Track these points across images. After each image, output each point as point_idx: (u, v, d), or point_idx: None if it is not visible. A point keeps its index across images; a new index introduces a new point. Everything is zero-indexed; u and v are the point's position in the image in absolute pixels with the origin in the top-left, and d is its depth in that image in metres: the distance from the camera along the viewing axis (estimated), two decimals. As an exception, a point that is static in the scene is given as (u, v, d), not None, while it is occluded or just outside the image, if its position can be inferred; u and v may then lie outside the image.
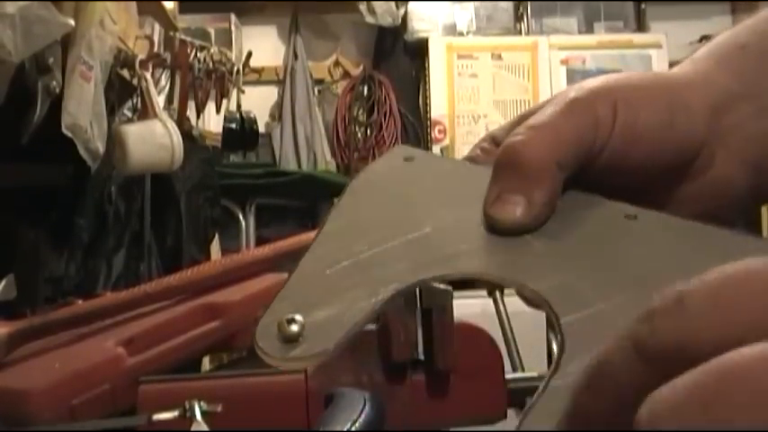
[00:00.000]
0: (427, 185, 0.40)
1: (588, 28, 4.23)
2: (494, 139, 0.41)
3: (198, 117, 3.34)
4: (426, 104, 4.09)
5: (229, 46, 3.94)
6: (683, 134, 0.39)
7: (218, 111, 3.58)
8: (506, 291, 1.82)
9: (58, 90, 1.96)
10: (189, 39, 3.13)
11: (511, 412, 0.70)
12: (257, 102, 4.02)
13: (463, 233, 0.36)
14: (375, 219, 0.37)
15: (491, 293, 1.89)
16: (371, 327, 0.71)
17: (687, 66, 0.42)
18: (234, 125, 3.65)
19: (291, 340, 0.31)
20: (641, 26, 4.28)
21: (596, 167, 0.38)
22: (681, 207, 0.39)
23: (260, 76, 4.12)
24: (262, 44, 4.14)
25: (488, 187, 0.36)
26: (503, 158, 0.36)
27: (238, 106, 3.73)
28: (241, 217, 3.38)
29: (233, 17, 4.11)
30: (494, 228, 0.35)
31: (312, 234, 0.38)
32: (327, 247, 0.36)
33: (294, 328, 0.31)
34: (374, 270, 0.34)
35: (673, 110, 0.38)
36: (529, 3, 4.20)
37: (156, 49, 2.84)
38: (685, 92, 0.40)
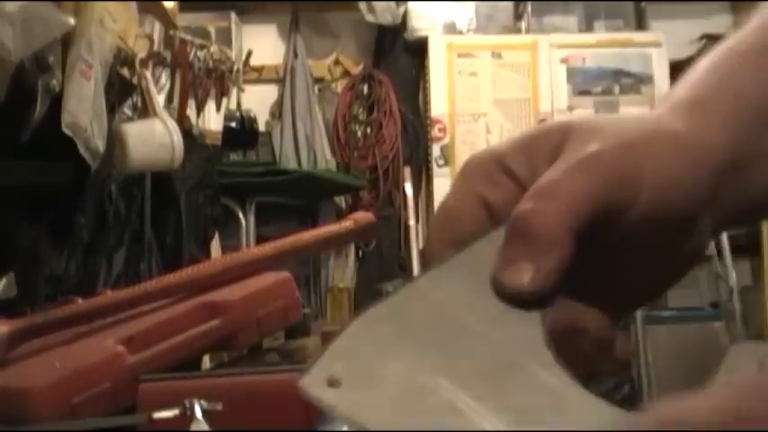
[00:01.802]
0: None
1: (588, 26, 4.23)
2: (501, 164, 0.38)
3: (198, 116, 3.34)
4: (426, 103, 4.09)
5: (229, 44, 3.93)
6: (692, 195, 0.38)
7: (218, 109, 3.58)
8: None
9: (58, 89, 1.96)
10: (189, 37, 3.13)
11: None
12: (257, 100, 4.02)
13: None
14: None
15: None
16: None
17: (681, 112, 0.40)
18: (234, 124, 3.65)
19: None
20: (641, 25, 4.27)
21: (623, 226, 0.36)
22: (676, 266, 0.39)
23: (260, 75, 4.11)
24: (262, 43, 4.14)
25: (499, 254, 0.35)
26: (513, 229, 0.35)
27: (238, 105, 3.73)
28: (241, 215, 3.37)
29: (233, 16, 4.10)
30: (501, 293, 0.35)
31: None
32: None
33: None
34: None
35: (688, 171, 0.38)
36: (529, 1, 4.20)
37: (156, 47, 2.84)
38: (693, 151, 0.38)
